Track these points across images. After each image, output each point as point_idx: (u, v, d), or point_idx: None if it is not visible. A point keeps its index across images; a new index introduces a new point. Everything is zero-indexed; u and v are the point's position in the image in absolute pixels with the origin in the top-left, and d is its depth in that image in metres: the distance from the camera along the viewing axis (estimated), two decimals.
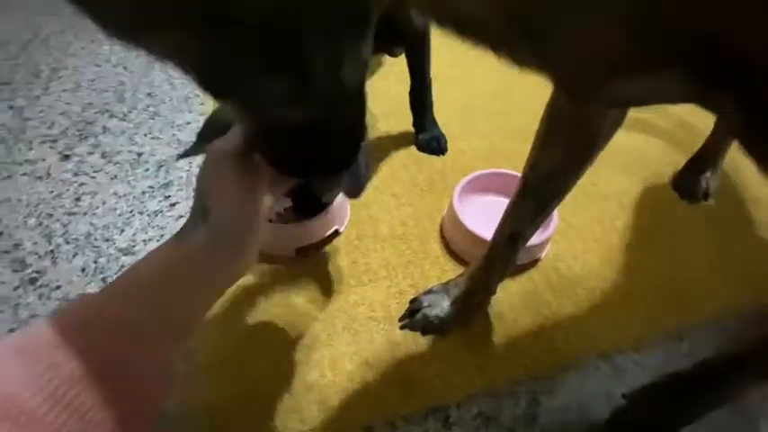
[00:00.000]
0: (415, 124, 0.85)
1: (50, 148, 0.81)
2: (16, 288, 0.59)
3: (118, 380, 0.23)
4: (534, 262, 0.65)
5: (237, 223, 0.30)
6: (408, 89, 0.81)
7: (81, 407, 0.21)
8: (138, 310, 0.26)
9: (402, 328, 0.56)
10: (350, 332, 0.55)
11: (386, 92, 0.94)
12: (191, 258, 0.28)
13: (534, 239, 0.59)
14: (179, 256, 0.28)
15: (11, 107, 0.89)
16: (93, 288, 0.60)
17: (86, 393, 0.21)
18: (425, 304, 0.56)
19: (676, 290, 0.63)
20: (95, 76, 0.99)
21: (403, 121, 0.87)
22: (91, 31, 1.14)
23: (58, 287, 0.60)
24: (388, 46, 0.83)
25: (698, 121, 0.91)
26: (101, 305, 0.25)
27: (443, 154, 0.83)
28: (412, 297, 0.59)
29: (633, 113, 0.39)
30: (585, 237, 0.70)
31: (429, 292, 0.58)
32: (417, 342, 0.55)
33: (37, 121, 0.86)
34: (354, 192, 0.42)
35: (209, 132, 0.44)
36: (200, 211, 0.30)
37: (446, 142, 0.84)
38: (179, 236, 0.30)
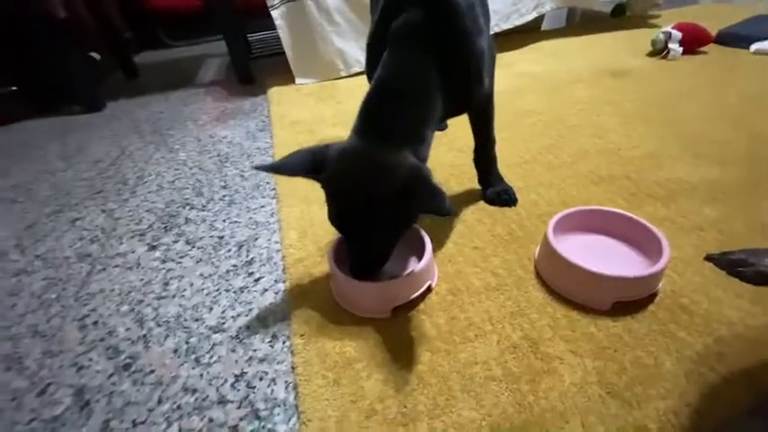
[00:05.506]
0: (481, 181, 0.85)
1: (139, 241, 0.85)
2: (110, 375, 0.58)
3: None
4: (651, 297, 0.58)
5: None
6: (455, 156, 0.85)
7: None
8: None
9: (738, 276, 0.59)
10: (470, 395, 0.48)
11: (441, 161, 0.97)
12: None
13: (648, 270, 0.57)
14: None
15: (103, 211, 0.98)
16: (186, 369, 0.57)
17: None
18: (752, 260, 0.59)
19: None
20: (174, 177, 1.09)
21: (465, 182, 0.89)
22: (168, 144, 1.29)
23: (152, 371, 0.57)
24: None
25: None
26: None
27: (515, 205, 0.82)
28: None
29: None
30: (699, 269, 0.63)
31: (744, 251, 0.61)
32: (551, 400, 0.47)
33: (126, 220, 0.93)
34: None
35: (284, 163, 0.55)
36: None
37: (515, 193, 0.83)
38: None
